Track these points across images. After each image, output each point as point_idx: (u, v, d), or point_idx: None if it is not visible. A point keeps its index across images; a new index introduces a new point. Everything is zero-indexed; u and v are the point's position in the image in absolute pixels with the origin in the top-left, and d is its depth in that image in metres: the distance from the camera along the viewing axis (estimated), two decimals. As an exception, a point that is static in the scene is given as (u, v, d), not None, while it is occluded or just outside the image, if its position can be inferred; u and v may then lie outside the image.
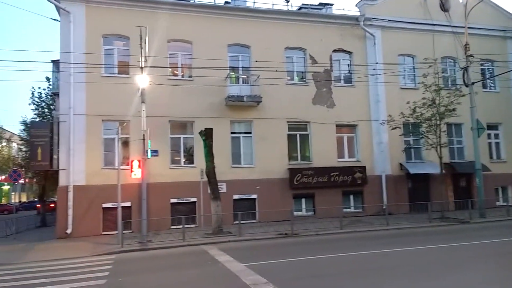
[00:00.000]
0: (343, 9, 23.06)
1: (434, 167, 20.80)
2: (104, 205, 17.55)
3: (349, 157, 21.70)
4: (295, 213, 19.26)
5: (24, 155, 28.92)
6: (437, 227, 16.43)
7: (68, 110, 17.60)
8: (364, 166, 21.17)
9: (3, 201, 55.33)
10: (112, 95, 17.94)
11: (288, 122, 20.63)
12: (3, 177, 47.84)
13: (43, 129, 18.15)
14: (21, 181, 32.72)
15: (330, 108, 21.32)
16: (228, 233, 15.51)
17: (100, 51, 18.43)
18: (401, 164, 21.86)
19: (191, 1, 20.65)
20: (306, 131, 21.11)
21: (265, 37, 20.55)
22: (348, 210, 20.63)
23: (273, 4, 21.92)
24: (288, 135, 20.70)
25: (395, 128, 19.57)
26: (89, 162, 17.63)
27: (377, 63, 21.65)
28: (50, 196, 36.42)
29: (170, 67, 19.55)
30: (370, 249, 11.32)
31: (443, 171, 19.44)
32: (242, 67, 20.78)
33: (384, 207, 18.79)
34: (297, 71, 21.66)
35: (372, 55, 22.00)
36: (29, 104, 25.63)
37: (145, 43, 15.96)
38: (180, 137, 19.42)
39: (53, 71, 20.50)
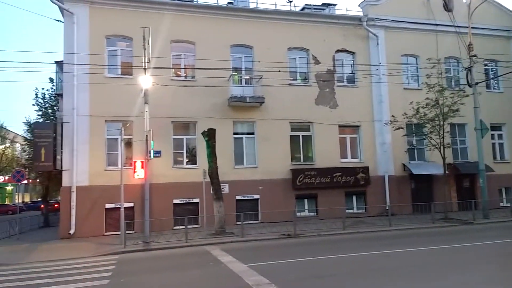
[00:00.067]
0: (346, 9, 22.92)
1: (437, 168, 20.73)
2: (107, 206, 17.59)
3: (352, 158, 21.67)
4: (298, 214, 19.28)
5: (27, 156, 29.04)
6: (441, 228, 16.37)
7: (71, 110, 17.67)
8: (367, 167, 21.13)
9: (7, 201, 55.63)
10: (115, 96, 17.99)
11: (290, 122, 20.62)
12: (6, 177, 48.04)
13: (47, 130, 18.20)
14: (25, 181, 32.87)
15: (333, 108, 21.30)
16: (230, 233, 15.52)
17: (103, 52, 18.49)
18: (404, 165, 21.80)
19: (194, 2, 20.69)
20: (309, 131, 21.09)
21: (268, 38, 20.56)
22: (351, 210, 20.55)
23: (276, 4, 21.87)
24: (291, 136, 20.69)
25: (398, 128, 19.52)
26: (92, 163, 17.68)
27: (380, 63, 21.61)
28: (53, 197, 36.51)
29: (173, 68, 19.58)
30: (373, 250, 11.30)
31: (447, 172, 19.37)
32: (245, 68, 20.78)
33: (387, 208, 18.72)
34: (300, 72, 21.65)
35: (375, 55, 21.96)
36: (33, 105, 25.68)
37: (148, 44, 15.98)
38: (183, 138, 19.45)
39: (57, 72, 20.54)
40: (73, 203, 17.09)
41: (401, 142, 21.60)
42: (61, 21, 18.89)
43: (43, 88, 26.09)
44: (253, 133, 20.25)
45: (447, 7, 23.43)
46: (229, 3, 22.27)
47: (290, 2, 22.68)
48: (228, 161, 18.97)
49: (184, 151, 19.41)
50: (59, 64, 19.64)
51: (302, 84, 21.34)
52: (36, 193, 54.99)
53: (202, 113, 19.10)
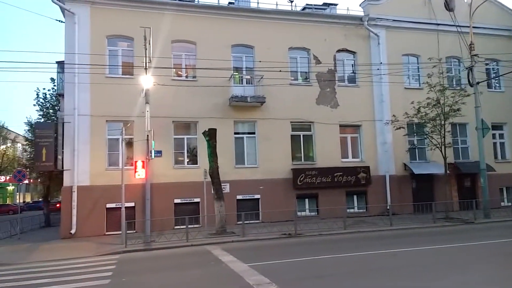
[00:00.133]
0: (347, 9, 22.83)
1: (438, 167, 20.71)
2: (108, 205, 17.61)
3: (353, 157, 21.66)
4: (299, 213, 19.31)
5: (28, 156, 29.04)
6: (442, 227, 16.36)
7: (72, 110, 17.69)
8: (368, 166, 21.12)
9: (8, 201, 55.71)
10: (116, 96, 18.01)
11: (291, 122, 20.62)
12: (8, 177, 48.13)
13: (48, 130, 18.21)
14: (26, 181, 32.86)
15: (334, 108, 21.29)
16: (231, 233, 15.53)
17: (104, 52, 18.51)
18: (405, 164, 21.79)
19: (195, 2, 20.69)
20: (310, 131, 21.09)
21: (268, 38, 20.56)
22: (351, 210, 20.58)
23: (276, 4, 21.83)
24: (292, 135, 20.68)
25: (399, 128, 19.50)
26: (93, 163, 17.70)
27: (381, 63, 21.59)
28: (54, 197, 36.58)
29: (174, 68, 19.59)
30: (374, 250, 11.29)
31: (448, 171, 19.35)
32: (246, 68, 20.78)
33: (388, 208, 18.71)
34: (301, 71, 21.64)
35: (376, 55, 21.94)
36: (34, 105, 25.69)
37: (149, 44, 15.99)
38: (183, 138, 19.46)
39: (58, 72, 20.55)
40: (74, 203, 17.11)
41: (402, 141, 21.59)
42: (62, 21, 18.91)
43: (44, 88, 26.14)
44: (254, 133, 20.26)
45: (448, 7, 23.40)
46: (230, 3, 22.27)
47: (291, 2, 22.67)
48: (229, 161, 18.97)
49: (185, 151, 19.42)
50: (60, 64, 19.66)
51: (303, 83, 21.33)
52: (37, 193, 55.10)
53: (203, 113, 19.11)
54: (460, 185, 22.87)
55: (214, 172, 16.17)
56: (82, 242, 15.54)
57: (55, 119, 21.97)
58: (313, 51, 21.36)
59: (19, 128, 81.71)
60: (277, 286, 7.56)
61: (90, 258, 12.25)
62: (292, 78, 21.07)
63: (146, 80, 15.86)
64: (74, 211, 17.07)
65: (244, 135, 20.26)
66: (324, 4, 24.47)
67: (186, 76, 20.14)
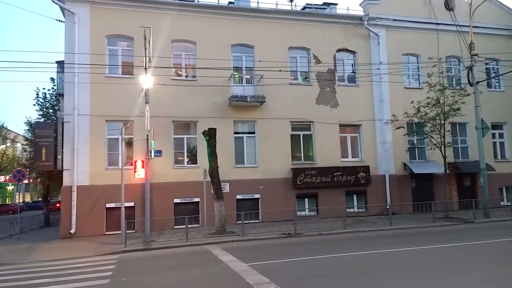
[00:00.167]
0: (347, 9, 22.81)
1: (438, 167, 20.71)
2: (108, 205, 17.60)
3: (353, 157, 21.66)
4: (298, 213, 19.31)
5: (28, 156, 29.03)
6: (441, 227, 16.36)
7: (72, 110, 17.69)
8: (368, 166, 21.12)
9: (8, 201, 55.70)
10: (116, 96, 18.01)
11: (291, 122, 20.62)
12: (7, 177, 48.11)
13: (48, 130, 18.20)
14: (25, 181, 32.87)
15: (334, 108, 21.28)
16: (231, 233, 15.53)
17: (104, 51, 18.50)
18: (405, 164, 21.79)
19: (195, 2, 20.68)
20: (310, 131, 21.09)
21: (268, 37, 20.55)
22: (351, 210, 20.60)
23: (276, 4, 21.81)
24: (292, 135, 20.68)
25: (399, 127, 19.51)
26: (93, 162, 17.70)
27: (381, 62, 21.59)
28: (54, 196, 36.56)
29: (174, 68, 19.59)
30: (374, 249, 11.30)
31: (447, 171, 19.36)
32: (246, 67, 20.77)
33: (388, 207, 18.72)
34: (300, 71, 21.64)
35: (376, 55, 21.94)
36: (34, 104, 25.68)
37: (149, 43, 15.98)
38: (183, 137, 19.45)
39: (58, 72, 20.54)
40: (74, 203, 17.10)
41: (402, 141, 21.59)
42: (62, 21, 18.91)
43: (44, 88, 26.14)
44: (253, 133, 20.25)
45: (448, 6, 23.39)
46: (230, 2, 22.26)
47: (291, 1, 22.67)
48: (228, 161, 18.97)
49: (185, 151, 19.42)
50: (60, 64, 19.65)
51: (303, 83, 21.32)
52: (37, 192, 55.08)
53: (203, 112, 19.11)
54: (460, 184, 22.87)
55: (213, 171, 16.17)
56: (82, 242, 15.53)
57: (55, 119, 21.96)
58: (313, 50, 21.35)
59: (18, 127, 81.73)
60: (276, 286, 7.56)
61: (89, 258, 12.24)
62: (292, 77, 21.07)
63: (146, 80, 15.86)
64: (74, 211, 17.07)
65: (244, 135, 20.25)
66: (324, 3, 24.47)
67: (186, 76, 20.13)
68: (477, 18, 21.26)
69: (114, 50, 19.03)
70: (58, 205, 30.48)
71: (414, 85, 22.74)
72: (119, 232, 15.01)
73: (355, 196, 21.30)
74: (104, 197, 17.46)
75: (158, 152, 16.64)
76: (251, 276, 8.44)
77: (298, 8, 23.92)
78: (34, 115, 48.35)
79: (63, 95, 18.70)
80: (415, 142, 22.23)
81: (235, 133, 19.94)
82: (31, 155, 25.10)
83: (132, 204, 17.51)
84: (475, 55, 19.53)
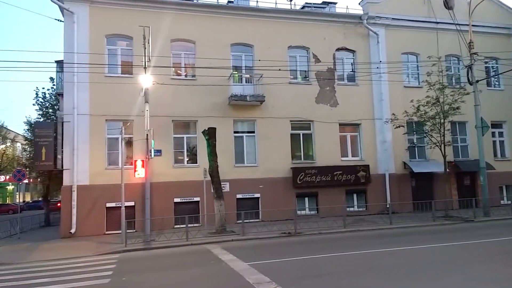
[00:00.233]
0: (347, 8, 22.81)
1: (438, 166, 20.73)
2: (108, 205, 17.61)
3: (353, 156, 21.66)
4: (298, 212, 19.33)
5: (28, 155, 29.03)
6: (441, 225, 16.37)
7: (72, 110, 17.68)
8: (368, 165, 21.13)
9: (8, 201, 55.69)
10: (115, 95, 18.00)
11: (291, 121, 20.61)
12: (7, 177, 48.09)
13: (47, 129, 18.20)
14: (25, 181, 32.81)
15: (333, 107, 21.28)
16: (231, 232, 15.54)
17: (103, 51, 18.49)
18: (404, 163, 21.79)
19: (194, 1, 20.66)
20: (309, 130, 21.08)
21: (268, 36, 20.54)
22: (351, 209, 20.62)
23: (276, 3, 21.77)
24: (291, 134, 20.68)
25: (399, 126, 19.52)
26: (92, 162, 17.69)
27: (380, 61, 21.60)
28: (54, 196, 36.54)
29: (173, 67, 19.57)
30: (374, 248, 11.30)
31: (447, 170, 19.36)
32: (245, 67, 20.77)
33: (388, 206, 18.74)
34: (300, 70, 21.64)
35: (375, 54, 21.93)
36: (33, 104, 25.68)
37: (149, 43, 15.98)
38: (183, 137, 19.45)
39: (57, 72, 20.54)
40: (74, 202, 17.10)
41: (402, 140, 21.59)
42: (61, 21, 18.89)
43: (43, 88, 26.20)
44: (253, 132, 20.25)
45: (448, 5, 23.38)
46: (229, 2, 22.26)
47: (290, 0, 22.67)
48: (228, 160, 18.97)
49: (185, 150, 19.41)
50: (60, 63, 19.65)
51: (303, 82, 21.31)
52: (37, 192, 55.03)
53: (203, 112, 19.11)
54: (460, 183, 22.89)
55: (213, 171, 16.17)
56: (82, 242, 15.54)
57: (55, 118, 21.95)
58: (312, 49, 21.34)
59: (18, 127, 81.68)
60: (277, 285, 7.56)
61: (90, 258, 12.25)
62: (292, 77, 21.06)
63: (146, 79, 15.84)
64: (74, 211, 17.07)
65: (244, 134, 20.25)
66: (324, 2, 24.48)
67: (186, 75, 20.11)
68: (477, 17, 21.26)
69: (114, 49, 19.02)
70: (59, 204, 30.53)
71: (413, 84, 22.74)
72: (119, 231, 15.02)
73: (355, 195, 21.30)
74: (104, 197, 17.46)
75: (158, 152, 16.64)
76: (251, 275, 8.45)
77: (298, 7, 23.92)
78: (33, 114, 48.28)
79: (62, 94, 18.69)
80: (415, 141, 22.24)
81: (235, 132, 19.94)
82: (31, 155, 25.10)
83: (132, 203, 17.52)
84: (475, 54, 19.53)
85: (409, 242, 12.03)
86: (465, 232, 14.05)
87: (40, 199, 43.93)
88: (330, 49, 21.57)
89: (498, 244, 11.54)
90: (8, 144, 47.86)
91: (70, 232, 16.90)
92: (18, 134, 46.63)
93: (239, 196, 19.24)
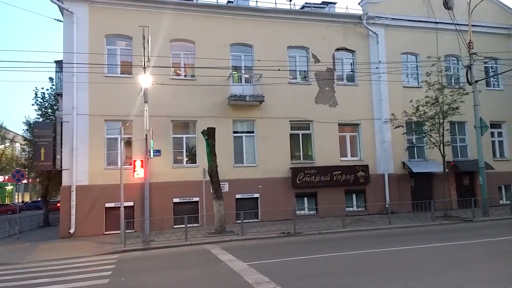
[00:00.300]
0: (346, 8, 22.82)
1: (437, 166, 20.75)
2: (107, 205, 17.59)
3: (352, 156, 21.66)
4: (298, 212, 19.30)
5: (27, 155, 28.99)
6: (440, 225, 16.38)
7: (71, 110, 17.66)
8: (367, 165, 21.13)
9: (7, 201, 55.63)
10: (115, 95, 17.99)
11: (290, 121, 20.61)
12: (6, 177, 48.03)
13: (46, 129, 18.17)
14: (24, 181, 32.83)
15: (333, 107, 21.28)
16: (230, 232, 15.54)
17: (103, 51, 18.48)
18: (404, 163, 21.80)
19: (194, 1, 20.66)
20: (309, 130, 21.08)
21: (267, 36, 20.54)
22: (350, 209, 20.64)
23: (275, 3, 21.76)
24: (291, 134, 20.68)
25: (398, 126, 19.53)
26: (92, 162, 17.68)
27: (380, 61, 21.61)
28: (53, 196, 36.51)
29: (172, 67, 19.55)
30: (373, 248, 11.30)
31: (446, 170, 19.38)
32: (245, 67, 20.77)
33: (387, 206, 18.75)
34: (299, 70, 21.64)
35: (375, 54, 21.94)
36: (32, 104, 25.65)
37: (148, 43, 15.97)
38: (182, 137, 19.44)
39: (56, 72, 20.52)
40: (73, 203, 17.09)
41: (401, 140, 21.60)
42: (60, 21, 18.88)
43: (42, 88, 26.24)
44: (252, 132, 20.25)
45: (447, 5, 23.40)
46: (228, 1, 22.25)
47: (290, 0, 22.66)
48: (228, 160, 18.97)
49: (184, 150, 19.41)
50: (59, 63, 19.63)
51: (302, 82, 21.31)
52: (36, 192, 55.01)
53: (202, 112, 19.11)
54: (459, 183, 22.90)
55: (213, 171, 16.16)
56: (81, 242, 15.53)
57: (54, 118, 21.93)
58: (312, 50, 21.35)
59: (17, 127, 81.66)
60: (276, 285, 7.56)
61: (89, 258, 12.25)
62: (291, 77, 21.06)
63: (145, 79, 15.83)
64: (73, 211, 17.05)
65: (243, 134, 20.24)
66: (323, 2, 24.48)
67: (185, 75, 20.10)
68: (476, 17, 21.28)
69: (113, 49, 19.01)
70: (58, 204, 30.52)
71: (413, 84, 22.76)
72: (119, 231, 15.02)
73: (354, 195, 21.31)
74: (103, 197, 17.45)
75: (157, 152, 16.63)
76: (250, 275, 8.45)
77: (297, 7, 23.90)
78: (33, 115, 48.23)
79: (61, 94, 18.68)
80: (414, 141, 22.26)
81: (234, 132, 19.93)
82: (30, 155, 25.06)
83: (131, 203, 17.51)
84: (474, 54, 19.54)
85: (408, 242, 12.04)
86: (464, 232, 14.07)
87: (39, 199, 43.86)
88: (329, 49, 21.58)
89: (497, 244, 11.55)
90: (7, 144, 47.82)
91: (69, 232, 16.89)
92: (17, 134, 46.59)
93: (238, 196, 19.24)
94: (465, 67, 20.05)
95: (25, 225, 22.44)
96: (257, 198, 19.62)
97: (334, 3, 24.39)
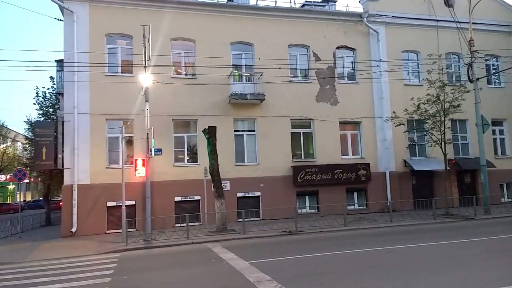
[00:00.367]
0: (347, 6, 22.77)
1: (438, 164, 20.73)
2: (109, 204, 17.61)
3: (353, 154, 21.64)
4: (299, 211, 19.30)
5: (29, 155, 29.02)
6: (442, 223, 16.37)
7: (72, 109, 17.67)
8: (368, 163, 21.12)
9: (9, 200, 55.70)
10: (115, 94, 18.00)
11: (291, 119, 20.60)
12: (8, 176, 48.12)
13: (48, 129, 18.19)
14: (26, 180, 32.85)
15: (334, 105, 21.27)
16: (232, 231, 15.55)
17: (103, 50, 18.48)
18: (405, 161, 21.79)
19: (194, 0, 20.62)
20: (310, 128, 21.07)
21: (268, 35, 20.52)
22: (352, 207, 20.64)
23: (276, 1, 21.72)
24: (292, 133, 20.67)
25: (399, 124, 19.51)
26: (93, 161, 17.70)
27: (381, 59, 21.57)
28: (55, 195, 36.55)
29: (173, 66, 19.55)
30: (374, 246, 11.30)
31: (448, 168, 19.35)
32: (245, 65, 20.75)
33: (388, 204, 18.76)
34: (300, 69, 21.61)
35: (375, 52, 21.91)
36: (34, 103, 25.69)
37: (149, 42, 15.98)
38: (183, 136, 19.44)
39: (57, 71, 20.53)
40: (75, 202, 17.11)
41: (402, 138, 21.58)
42: (61, 20, 18.86)
43: (43, 87, 26.23)
44: (253, 131, 20.24)
45: (448, 3, 23.35)
46: (229, 0, 22.21)
47: (290, -2, 22.62)
48: (229, 159, 18.98)
49: (185, 149, 19.41)
50: (60, 62, 19.63)
51: (303, 81, 21.30)
52: (38, 191, 55.07)
53: (203, 110, 19.11)
54: (460, 181, 22.88)
55: (214, 170, 16.17)
56: (83, 241, 15.56)
57: (55, 117, 21.95)
58: (312, 48, 21.32)
59: (19, 127, 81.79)
60: (277, 283, 7.57)
61: (91, 257, 12.27)
62: (292, 75, 21.05)
63: (146, 78, 15.85)
64: (75, 210, 17.08)
65: (244, 133, 20.24)
66: (324, 0, 24.46)
67: (186, 74, 20.09)
68: (477, 14, 21.22)
69: (114, 48, 19.01)
70: (60, 203, 30.58)
71: (414, 82, 22.73)
72: (120, 230, 15.04)
73: (355, 194, 21.31)
74: (105, 196, 17.47)
75: (158, 151, 16.64)
76: (252, 274, 8.46)
77: (298, 6, 23.90)
78: (34, 114, 48.34)
79: (62, 94, 18.68)
80: (415, 139, 22.21)
81: (235, 131, 19.93)
82: (32, 154, 25.09)
83: (133, 202, 17.54)
84: (475, 51, 19.50)
85: (410, 240, 12.04)
86: (465, 230, 14.06)
87: (40, 198, 43.96)
88: (330, 47, 21.55)
89: (499, 242, 11.55)
90: (9, 143, 47.89)
91: (71, 231, 16.92)
92: (18, 133, 46.67)
93: (239, 194, 19.25)
94: (466, 64, 20.02)
95: (27, 224, 22.49)
96: (258, 196, 19.62)
97: (335, 1, 24.37)
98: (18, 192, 47.78)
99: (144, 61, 15.82)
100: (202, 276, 8.96)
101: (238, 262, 9.93)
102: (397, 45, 22.38)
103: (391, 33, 22.39)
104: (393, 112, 19.81)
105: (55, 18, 19.60)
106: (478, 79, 19.60)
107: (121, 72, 18.83)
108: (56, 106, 24.54)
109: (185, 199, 18.58)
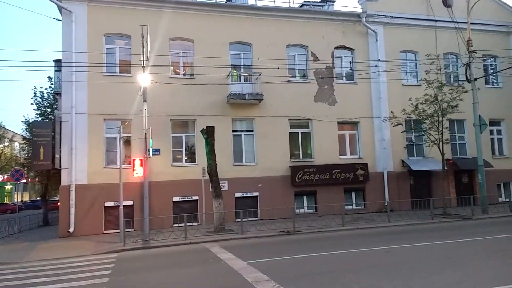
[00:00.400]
0: (345, 6, 22.90)
1: (436, 164, 20.77)
2: (106, 204, 17.58)
3: (351, 154, 21.66)
4: (297, 211, 19.28)
5: (26, 155, 28.99)
6: (439, 223, 16.41)
7: (70, 109, 17.64)
8: (366, 163, 21.14)
9: (6, 200, 55.58)
10: (114, 94, 17.97)
11: (289, 119, 20.61)
12: (5, 176, 48.00)
13: (45, 129, 18.15)
14: (24, 180, 32.79)
15: (332, 105, 21.28)
16: (230, 231, 15.54)
17: (102, 50, 18.46)
18: (403, 161, 21.82)
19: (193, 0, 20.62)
20: (308, 128, 21.08)
21: (266, 35, 20.52)
22: (350, 207, 20.67)
23: (274, 1, 21.73)
24: (290, 133, 20.67)
25: (397, 125, 19.55)
26: (91, 161, 17.66)
27: (379, 59, 21.60)
28: (52, 195, 36.47)
29: (171, 66, 19.53)
30: (372, 246, 11.31)
31: (445, 168, 19.39)
32: (244, 65, 20.75)
33: (386, 204, 18.76)
34: (298, 69, 21.62)
35: (374, 52, 21.94)
36: (31, 103, 25.64)
37: (147, 41, 15.96)
38: (181, 136, 19.42)
39: (55, 71, 20.50)
40: (72, 202, 17.08)
41: (400, 138, 21.62)
42: (59, 20, 18.84)
43: (41, 87, 26.23)
44: (252, 131, 20.23)
45: (446, 3, 23.40)
46: (227, 0, 22.20)
47: (289, -2, 22.60)
48: (227, 159, 18.98)
49: (183, 149, 19.40)
50: (58, 62, 19.59)
51: (301, 81, 21.31)
52: (35, 192, 54.95)
53: (201, 110, 19.09)
54: (458, 181, 22.93)
55: (212, 170, 16.16)
56: (81, 241, 15.53)
57: (53, 117, 21.90)
58: (311, 48, 21.33)
59: (16, 127, 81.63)
60: (275, 283, 7.57)
61: (88, 257, 12.25)
62: (290, 75, 21.05)
63: (144, 78, 15.83)
64: (72, 210, 17.05)
65: (242, 133, 20.23)
66: (322, 1, 24.45)
67: (184, 74, 20.07)
68: (475, 14, 21.28)
69: (112, 48, 18.98)
70: (58, 203, 30.51)
71: (412, 82, 22.77)
72: (118, 230, 15.02)
73: (353, 193, 21.33)
74: (103, 196, 17.44)
75: (156, 151, 16.63)
76: (250, 274, 8.46)
77: (296, 6, 23.84)
78: (31, 114, 48.23)
79: (60, 94, 18.65)
80: (413, 139, 22.26)
81: (233, 131, 19.92)
82: (29, 154, 25.05)
83: (130, 202, 17.51)
84: (473, 51, 19.53)
85: (407, 240, 12.06)
86: (463, 230, 14.09)
87: (38, 198, 43.85)
88: (328, 47, 21.57)
89: (496, 241, 11.58)
90: (6, 143, 47.78)
91: (69, 232, 16.89)
92: (16, 133, 46.55)
93: (237, 195, 19.25)
94: (464, 65, 20.05)
95: (24, 225, 22.44)
96: (256, 196, 19.62)
97: (333, 1, 24.37)
98: (15, 192, 47.66)
99: (142, 61, 15.81)
100: (200, 276, 8.96)
101: (236, 262, 9.93)
102: (396, 45, 22.41)
103: (390, 33, 22.43)
104: (391, 112, 19.85)
105: (54, 18, 19.59)
106: (476, 79, 19.64)
107: (119, 72, 18.81)
108: (54, 106, 24.50)
109: (183, 199, 18.56)
